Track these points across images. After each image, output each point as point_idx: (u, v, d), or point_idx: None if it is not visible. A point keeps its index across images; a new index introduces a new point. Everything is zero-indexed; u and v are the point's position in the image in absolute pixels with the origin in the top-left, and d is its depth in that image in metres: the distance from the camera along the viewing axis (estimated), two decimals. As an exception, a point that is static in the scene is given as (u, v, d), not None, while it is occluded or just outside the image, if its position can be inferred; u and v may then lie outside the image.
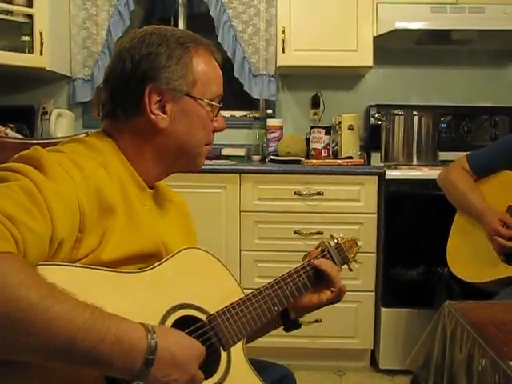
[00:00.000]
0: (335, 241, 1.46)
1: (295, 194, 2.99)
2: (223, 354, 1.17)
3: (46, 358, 0.89)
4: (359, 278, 2.96)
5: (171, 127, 1.21)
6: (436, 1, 3.20)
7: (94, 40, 3.55)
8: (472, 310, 1.34)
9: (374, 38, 3.26)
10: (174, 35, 1.22)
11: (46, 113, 3.57)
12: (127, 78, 1.19)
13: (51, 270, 0.96)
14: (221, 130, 1.30)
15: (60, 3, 3.46)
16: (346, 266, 1.48)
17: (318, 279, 1.39)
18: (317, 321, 2.98)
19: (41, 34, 3.22)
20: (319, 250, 1.44)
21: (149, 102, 1.18)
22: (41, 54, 3.24)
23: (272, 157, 3.35)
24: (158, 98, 1.19)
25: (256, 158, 3.52)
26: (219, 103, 1.27)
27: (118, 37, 3.51)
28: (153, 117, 1.19)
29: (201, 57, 1.23)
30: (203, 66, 1.23)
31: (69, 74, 3.59)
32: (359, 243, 1.51)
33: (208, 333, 1.15)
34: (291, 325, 1.42)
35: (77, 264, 1.03)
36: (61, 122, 3.40)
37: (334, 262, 1.42)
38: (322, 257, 1.41)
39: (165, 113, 1.20)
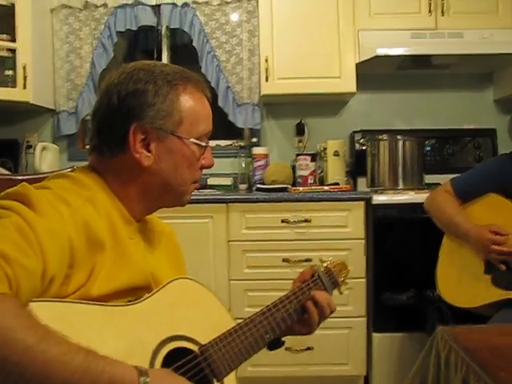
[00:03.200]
0: (325, 265, 1.46)
1: (283, 221, 2.99)
2: (216, 386, 1.16)
3: None
4: (350, 304, 2.95)
5: (156, 165, 1.20)
6: (416, 27, 3.26)
7: (77, 73, 3.56)
8: (464, 335, 1.33)
9: (357, 64, 3.30)
10: (163, 72, 1.21)
11: (30, 146, 3.57)
12: (113, 114, 1.19)
13: (42, 307, 0.95)
14: (208, 167, 1.29)
15: (43, 37, 3.48)
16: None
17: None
18: (308, 348, 2.96)
19: (24, 68, 3.22)
20: (310, 274, 1.43)
21: (133, 141, 1.17)
22: (24, 87, 3.24)
23: (258, 185, 3.35)
24: (143, 137, 1.18)
25: (242, 186, 3.52)
26: (207, 141, 1.26)
27: (102, 69, 3.54)
28: (136, 155, 1.18)
29: (189, 94, 1.22)
30: (191, 104, 1.21)
31: (53, 107, 3.60)
32: (349, 267, 1.52)
33: (201, 364, 1.14)
34: (274, 344, 1.39)
35: (66, 299, 1.02)
36: (46, 155, 3.39)
37: (325, 287, 1.42)
38: (313, 282, 1.41)
39: (149, 151, 1.19)
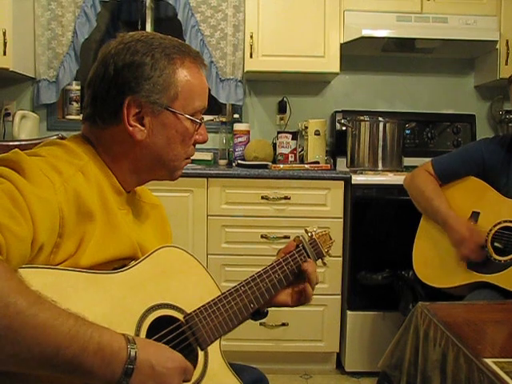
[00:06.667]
0: (309, 235, 1.47)
1: (262, 198, 3.00)
2: (200, 354, 1.17)
3: (30, 367, 0.88)
4: (326, 282, 2.99)
5: (149, 140, 1.19)
6: (401, 10, 3.28)
7: (59, 41, 3.50)
8: (444, 311, 1.37)
9: (341, 44, 3.31)
10: (161, 45, 1.19)
11: (8, 114, 3.52)
12: (108, 85, 1.17)
13: (32, 273, 0.95)
14: (202, 142, 1.29)
15: (24, 3, 3.40)
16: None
17: (294, 276, 1.40)
18: (283, 324, 3.00)
19: (4, 33, 3.15)
20: (294, 244, 1.45)
21: (127, 114, 1.17)
22: (4, 54, 3.17)
23: (239, 161, 3.35)
24: (137, 110, 1.17)
25: (222, 162, 3.52)
26: (202, 116, 1.25)
27: (84, 38, 3.49)
28: (130, 128, 1.17)
29: (186, 69, 1.20)
30: (188, 79, 1.20)
31: (33, 76, 3.53)
32: (333, 237, 1.53)
33: (185, 333, 1.15)
34: (259, 314, 1.42)
35: (55, 266, 1.02)
36: (25, 123, 3.34)
37: (309, 257, 1.43)
38: (297, 252, 1.42)
39: (143, 125, 1.18)
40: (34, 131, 3.40)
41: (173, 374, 1.00)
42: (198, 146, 1.31)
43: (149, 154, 1.21)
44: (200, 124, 1.25)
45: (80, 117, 3.81)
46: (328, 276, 2.99)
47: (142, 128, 1.18)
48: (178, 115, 1.20)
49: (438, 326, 1.26)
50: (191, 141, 1.26)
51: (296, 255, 1.42)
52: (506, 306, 1.63)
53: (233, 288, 1.29)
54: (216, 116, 3.71)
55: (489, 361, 1.10)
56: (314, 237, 1.48)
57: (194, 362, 1.15)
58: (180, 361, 1.03)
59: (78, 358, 0.88)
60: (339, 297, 3.05)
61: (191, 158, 1.30)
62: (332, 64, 3.32)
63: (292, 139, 3.38)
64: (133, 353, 0.94)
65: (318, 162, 3.27)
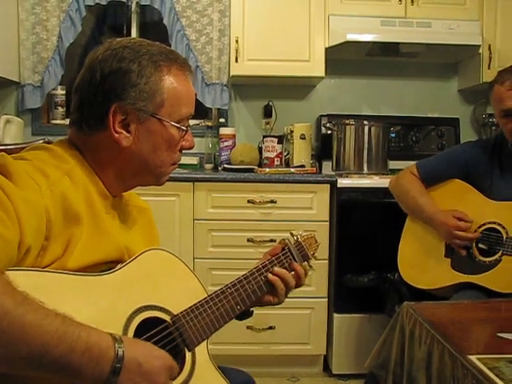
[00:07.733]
0: (295, 238, 1.48)
1: (248, 202, 3.01)
2: (188, 355, 1.18)
3: (18, 368, 0.89)
4: (312, 285, 3.00)
5: (134, 146, 1.19)
6: (385, 14, 3.31)
7: (44, 46, 3.48)
8: (429, 310, 1.39)
9: (326, 49, 3.33)
10: (148, 52, 1.19)
11: (-8, 119, 3.49)
12: (95, 91, 1.17)
13: (20, 275, 0.95)
14: (189, 148, 1.29)
15: (7, 7, 3.37)
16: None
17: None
18: (270, 327, 3.00)
19: (-13, 38, 3.14)
20: (280, 247, 1.46)
21: (113, 120, 1.17)
22: (-13, 58, 3.16)
23: (225, 165, 3.36)
24: (123, 117, 1.17)
25: (208, 166, 3.53)
26: (188, 123, 1.25)
27: (69, 43, 3.48)
28: (116, 135, 1.17)
29: (173, 76, 1.20)
30: (174, 86, 1.20)
31: (17, 80, 3.50)
32: (319, 240, 1.55)
33: (172, 334, 1.16)
34: (244, 314, 1.41)
35: (42, 269, 1.03)
36: (9, 128, 3.32)
37: (295, 260, 1.44)
38: (283, 255, 1.44)
39: (128, 132, 1.18)
40: (19, 136, 3.37)
41: (160, 371, 1.01)
42: (184, 150, 1.31)
43: (135, 160, 1.21)
44: (186, 131, 1.25)
45: (65, 121, 3.77)
46: (314, 279, 2.99)
47: (128, 135, 1.18)
48: (163, 122, 1.20)
49: (423, 325, 1.27)
50: (177, 147, 1.26)
51: (282, 257, 1.43)
52: (489, 305, 1.66)
53: (219, 290, 1.30)
54: (202, 120, 3.71)
55: (473, 357, 1.11)
56: (299, 239, 1.49)
57: (182, 363, 1.16)
58: (166, 359, 1.04)
59: (66, 357, 0.89)
60: (326, 300, 3.06)
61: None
62: (317, 68, 3.34)
63: (278, 143, 3.40)
64: (120, 352, 0.95)
65: (303, 166, 3.28)
